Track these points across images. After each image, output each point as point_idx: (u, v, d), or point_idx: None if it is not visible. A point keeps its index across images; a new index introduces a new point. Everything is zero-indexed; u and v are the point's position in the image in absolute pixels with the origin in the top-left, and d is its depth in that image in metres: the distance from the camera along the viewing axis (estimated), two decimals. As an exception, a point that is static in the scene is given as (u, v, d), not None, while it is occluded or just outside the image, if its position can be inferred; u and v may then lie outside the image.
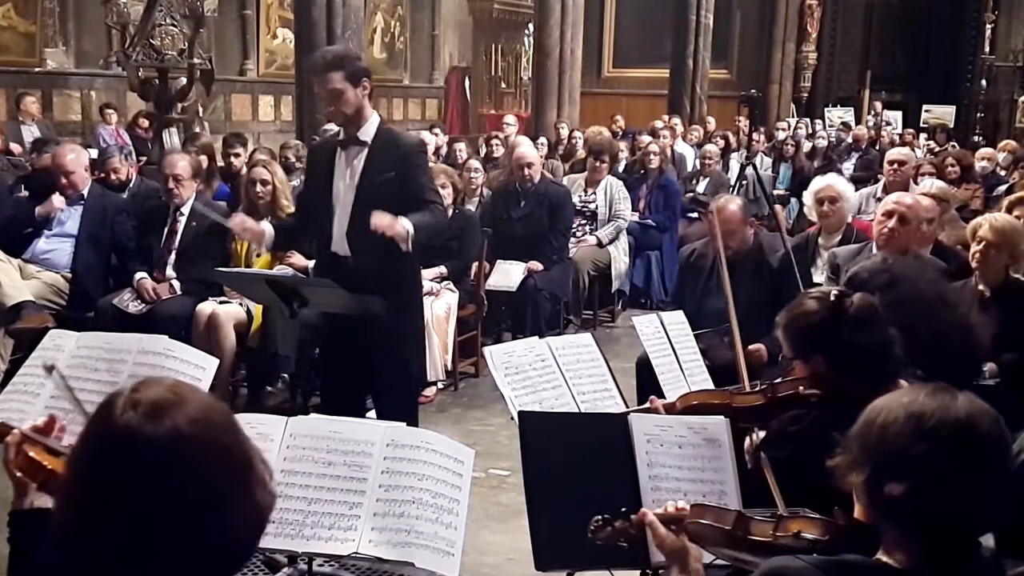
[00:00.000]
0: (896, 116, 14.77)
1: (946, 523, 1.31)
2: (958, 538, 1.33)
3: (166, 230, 4.56)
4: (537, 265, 5.53)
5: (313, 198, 3.40)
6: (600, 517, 1.64)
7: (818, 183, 4.42)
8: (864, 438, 1.37)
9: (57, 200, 4.72)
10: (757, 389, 2.21)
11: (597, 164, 6.38)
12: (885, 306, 2.06)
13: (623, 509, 1.65)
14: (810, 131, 12.07)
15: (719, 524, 1.56)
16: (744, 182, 7.79)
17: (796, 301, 2.13)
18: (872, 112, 14.53)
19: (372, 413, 3.47)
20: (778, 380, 2.13)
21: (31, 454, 1.52)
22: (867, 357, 1.95)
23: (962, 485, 1.30)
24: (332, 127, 6.49)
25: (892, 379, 1.91)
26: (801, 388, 2.04)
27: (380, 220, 2.99)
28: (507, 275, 5.47)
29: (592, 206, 6.34)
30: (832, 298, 2.04)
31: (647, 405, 2.40)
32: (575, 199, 6.26)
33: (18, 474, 1.52)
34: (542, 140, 9.08)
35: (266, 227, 3.36)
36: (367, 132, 3.24)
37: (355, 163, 3.24)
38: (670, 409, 2.32)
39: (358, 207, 3.18)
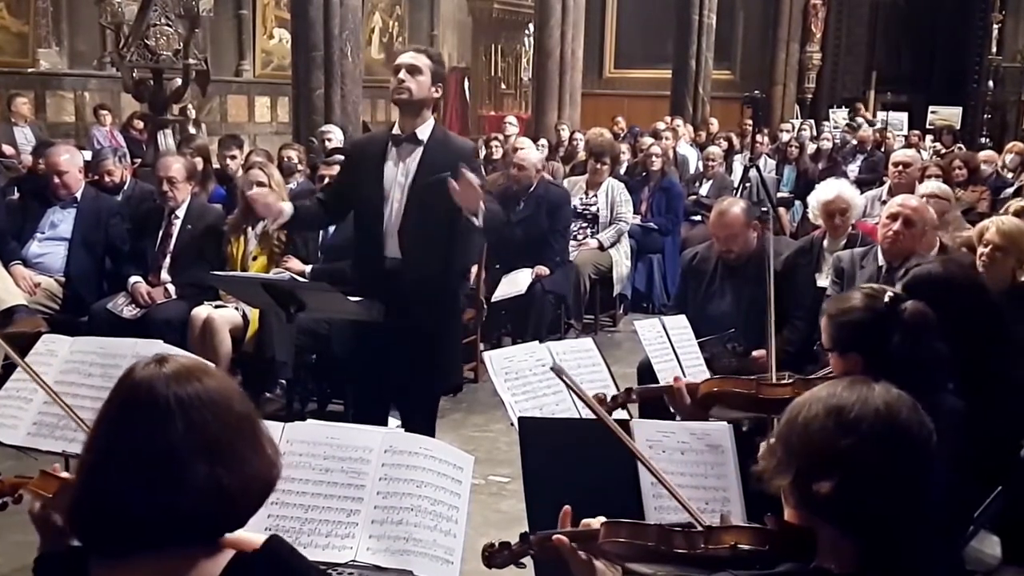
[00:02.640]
0: (902, 117, 14.71)
1: (878, 518, 1.29)
2: (894, 535, 1.30)
3: (161, 233, 4.53)
4: (545, 270, 5.52)
5: (354, 195, 3.30)
6: (493, 543, 1.61)
7: (826, 193, 4.33)
8: (787, 438, 1.36)
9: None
10: (786, 382, 2.20)
11: (598, 166, 6.35)
12: (940, 317, 2.02)
13: (523, 532, 1.60)
14: (814, 133, 12.04)
15: (638, 541, 1.49)
16: (747, 184, 7.76)
17: (847, 294, 2.10)
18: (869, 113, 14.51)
19: (392, 420, 3.44)
20: (809, 377, 2.11)
21: (45, 472, 1.58)
22: (911, 368, 1.90)
23: (889, 476, 1.28)
24: (331, 128, 6.57)
25: (930, 395, 1.89)
26: None
27: (471, 187, 2.94)
28: (514, 283, 5.46)
29: (593, 208, 6.31)
30: (887, 300, 2.01)
31: (670, 383, 2.37)
32: (576, 201, 6.24)
33: (38, 508, 1.56)
34: (542, 142, 9.06)
35: (287, 207, 3.30)
36: (424, 131, 3.21)
37: (408, 161, 3.18)
38: (692, 390, 2.29)
39: (411, 206, 3.13)
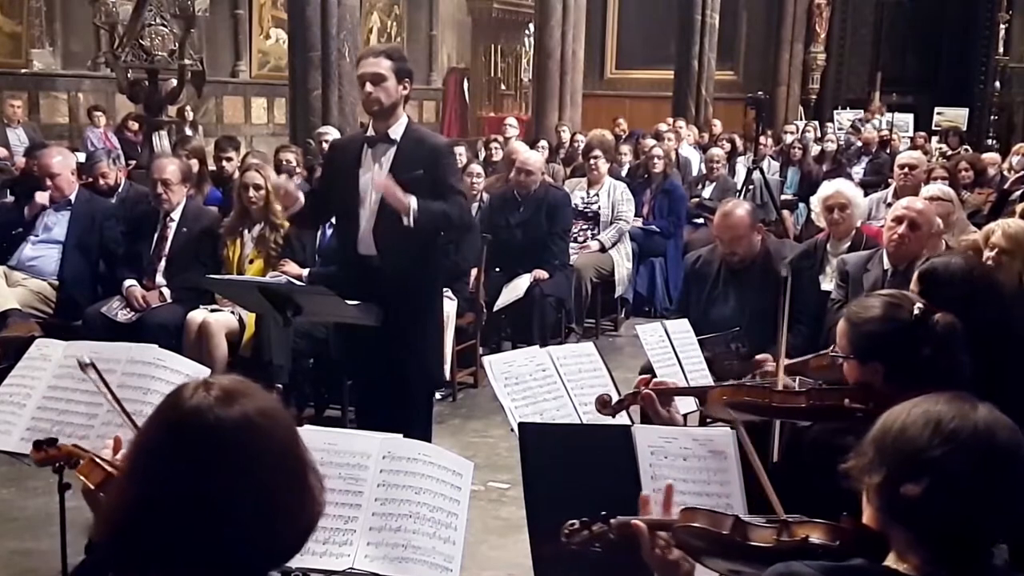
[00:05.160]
0: (907, 119, 14.66)
1: (959, 528, 1.30)
2: (969, 545, 1.32)
3: (156, 236, 4.50)
4: (543, 274, 5.49)
5: (333, 196, 3.38)
6: (575, 521, 1.58)
7: (827, 189, 4.36)
8: (881, 441, 1.37)
9: (41, 197, 4.65)
10: (800, 390, 2.17)
11: (590, 162, 6.34)
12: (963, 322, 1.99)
13: (603, 513, 1.58)
14: (819, 134, 12.00)
15: (714, 529, 1.48)
16: (751, 187, 7.73)
17: (868, 299, 2.06)
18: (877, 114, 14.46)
19: None
20: (824, 387, 2.08)
21: (94, 460, 1.56)
22: (936, 380, 1.88)
23: (977, 490, 1.29)
24: (329, 129, 6.55)
25: None
26: (847, 401, 1.97)
27: (389, 187, 3.00)
28: (514, 289, 5.44)
29: (594, 207, 6.29)
30: (917, 311, 1.97)
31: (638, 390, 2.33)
32: (577, 200, 6.21)
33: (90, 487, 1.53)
34: (543, 143, 9.03)
35: (301, 196, 3.34)
36: (396, 131, 3.27)
37: (383, 161, 3.25)
38: (702, 397, 2.27)
39: (386, 206, 3.17)
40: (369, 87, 3.19)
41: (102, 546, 1.37)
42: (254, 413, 1.16)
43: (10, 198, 5.25)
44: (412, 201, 3.08)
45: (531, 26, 13.70)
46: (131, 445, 1.22)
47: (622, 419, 2.58)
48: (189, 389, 1.18)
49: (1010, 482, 1.31)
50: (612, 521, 1.57)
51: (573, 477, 2.10)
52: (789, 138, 10.79)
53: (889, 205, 4.64)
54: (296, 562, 2.03)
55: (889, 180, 6.83)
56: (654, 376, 2.99)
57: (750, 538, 1.46)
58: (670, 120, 11.06)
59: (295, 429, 1.23)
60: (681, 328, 3.14)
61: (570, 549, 1.59)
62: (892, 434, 1.36)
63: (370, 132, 3.31)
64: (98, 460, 1.59)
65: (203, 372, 2.31)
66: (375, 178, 3.06)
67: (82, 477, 1.55)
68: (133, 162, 6.69)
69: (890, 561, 1.35)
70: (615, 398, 2.37)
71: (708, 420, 3.61)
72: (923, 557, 1.32)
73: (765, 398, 2.16)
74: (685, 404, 2.51)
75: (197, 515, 1.12)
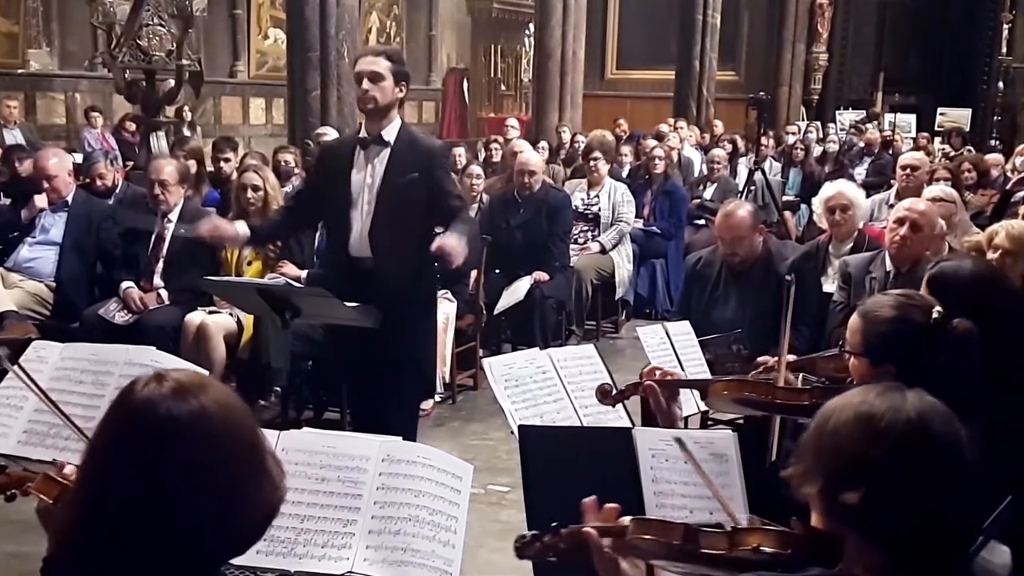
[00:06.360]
0: (910, 119, 14.63)
1: (907, 528, 1.27)
2: (923, 544, 1.28)
3: (153, 237, 4.48)
4: (543, 275, 5.47)
5: (324, 198, 3.35)
6: (527, 533, 1.57)
7: (828, 190, 4.35)
8: (816, 446, 1.34)
9: (39, 200, 4.64)
10: (804, 388, 2.15)
11: (590, 164, 6.33)
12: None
13: (554, 524, 1.56)
14: (821, 135, 11.98)
15: (665, 539, 1.47)
16: (752, 188, 7.71)
17: (882, 298, 2.03)
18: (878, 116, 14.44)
19: None
20: (828, 385, 2.06)
21: (48, 475, 1.54)
22: (952, 386, 1.86)
23: (919, 487, 1.27)
24: (328, 130, 6.53)
25: (968, 411, 1.83)
26: None
27: (451, 246, 3.00)
28: (515, 292, 5.42)
29: (595, 208, 6.28)
30: (936, 315, 1.94)
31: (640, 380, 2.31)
32: (577, 201, 6.20)
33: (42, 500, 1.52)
34: (543, 144, 9.01)
35: (240, 228, 3.33)
36: (390, 132, 3.24)
37: (376, 163, 3.22)
38: (704, 390, 2.26)
39: (381, 208, 3.16)
40: (367, 84, 3.16)
41: (59, 561, 1.36)
42: (207, 404, 1.15)
43: (6, 201, 5.22)
44: (455, 243, 3.02)
45: (531, 26, 13.69)
46: (87, 444, 1.21)
47: (622, 417, 2.58)
48: (141, 383, 1.18)
49: (951, 471, 1.28)
50: (562, 531, 1.55)
51: (573, 480, 2.08)
52: (791, 139, 10.77)
53: (891, 206, 4.63)
54: (294, 565, 2.04)
55: (891, 181, 6.82)
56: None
57: (701, 546, 1.44)
58: (671, 120, 11.04)
59: (252, 418, 1.23)
60: (682, 330, 3.12)
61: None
62: (826, 437, 1.33)
63: (363, 133, 3.28)
64: (52, 475, 1.57)
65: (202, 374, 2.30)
66: (447, 245, 2.99)
67: (39, 494, 1.52)
68: (131, 163, 6.66)
69: (847, 565, 1.31)
70: (614, 390, 2.37)
71: (709, 423, 3.60)
72: (876, 561, 1.29)
73: (768, 394, 2.15)
74: (687, 407, 2.50)
75: (153, 509, 1.12)
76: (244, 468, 1.17)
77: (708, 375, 3.03)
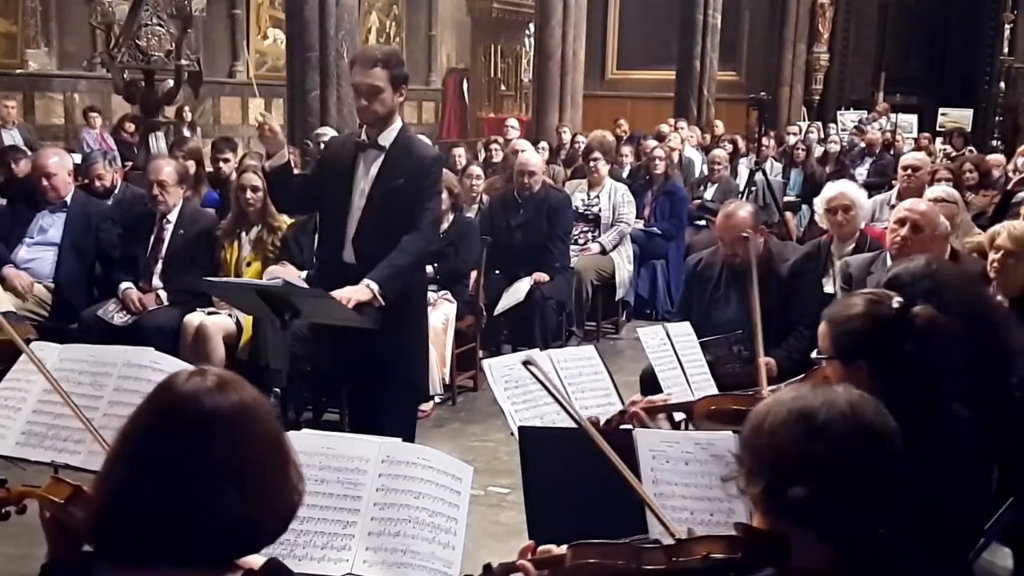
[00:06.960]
0: (911, 120, 14.62)
1: (855, 519, 1.30)
2: (871, 535, 1.32)
3: (152, 238, 4.48)
4: (543, 276, 5.46)
5: (324, 197, 3.32)
6: (484, 567, 1.59)
7: (830, 191, 4.34)
8: (755, 447, 1.36)
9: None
10: None
11: (591, 164, 6.32)
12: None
13: (486, 564, 1.59)
14: (822, 135, 11.97)
15: (608, 561, 1.47)
16: (753, 188, 7.70)
17: (847, 299, 2.05)
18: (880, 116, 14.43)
19: None
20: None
21: (57, 478, 1.55)
22: (923, 376, 1.86)
23: (863, 477, 1.30)
24: (327, 130, 6.53)
25: (942, 404, 1.83)
26: None
27: (339, 295, 2.97)
28: (515, 293, 5.41)
29: (595, 209, 6.27)
30: (896, 305, 1.95)
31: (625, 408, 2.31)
32: (577, 202, 6.19)
33: (48, 514, 1.52)
34: (543, 144, 9.00)
35: (286, 151, 3.24)
36: (387, 137, 3.19)
37: (371, 168, 3.19)
38: (689, 411, 2.24)
39: (367, 214, 3.14)
40: (364, 102, 3.11)
41: (58, 568, 1.38)
42: (246, 399, 1.22)
43: (2, 201, 5.21)
44: (373, 287, 3.00)
45: (531, 26, 13.69)
46: (120, 433, 1.23)
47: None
48: (183, 376, 1.23)
49: (888, 457, 1.32)
50: (494, 568, 1.56)
51: (573, 482, 2.09)
52: (792, 139, 10.76)
53: (893, 207, 4.61)
54: (294, 567, 2.03)
55: (893, 182, 6.81)
56: (654, 381, 2.98)
57: (644, 563, 1.44)
58: (671, 121, 11.03)
59: (279, 427, 1.28)
60: (683, 331, 3.13)
61: None
62: (763, 438, 1.35)
63: (363, 137, 3.25)
64: (60, 478, 1.58)
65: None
66: (343, 296, 2.97)
67: (49, 496, 1.52)
68: (129, 163, 6.65)
69: (798, 562, 1.33)
70: (603, 420, 2.36)
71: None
72: (828, 553, 1.31)
73: (751, 406, 2.15)
74: (677, 414, 2.50)
75: (187, 498, 1.15)
76: (274, 463, 1.23)
77: (708, 375, 3.03)
